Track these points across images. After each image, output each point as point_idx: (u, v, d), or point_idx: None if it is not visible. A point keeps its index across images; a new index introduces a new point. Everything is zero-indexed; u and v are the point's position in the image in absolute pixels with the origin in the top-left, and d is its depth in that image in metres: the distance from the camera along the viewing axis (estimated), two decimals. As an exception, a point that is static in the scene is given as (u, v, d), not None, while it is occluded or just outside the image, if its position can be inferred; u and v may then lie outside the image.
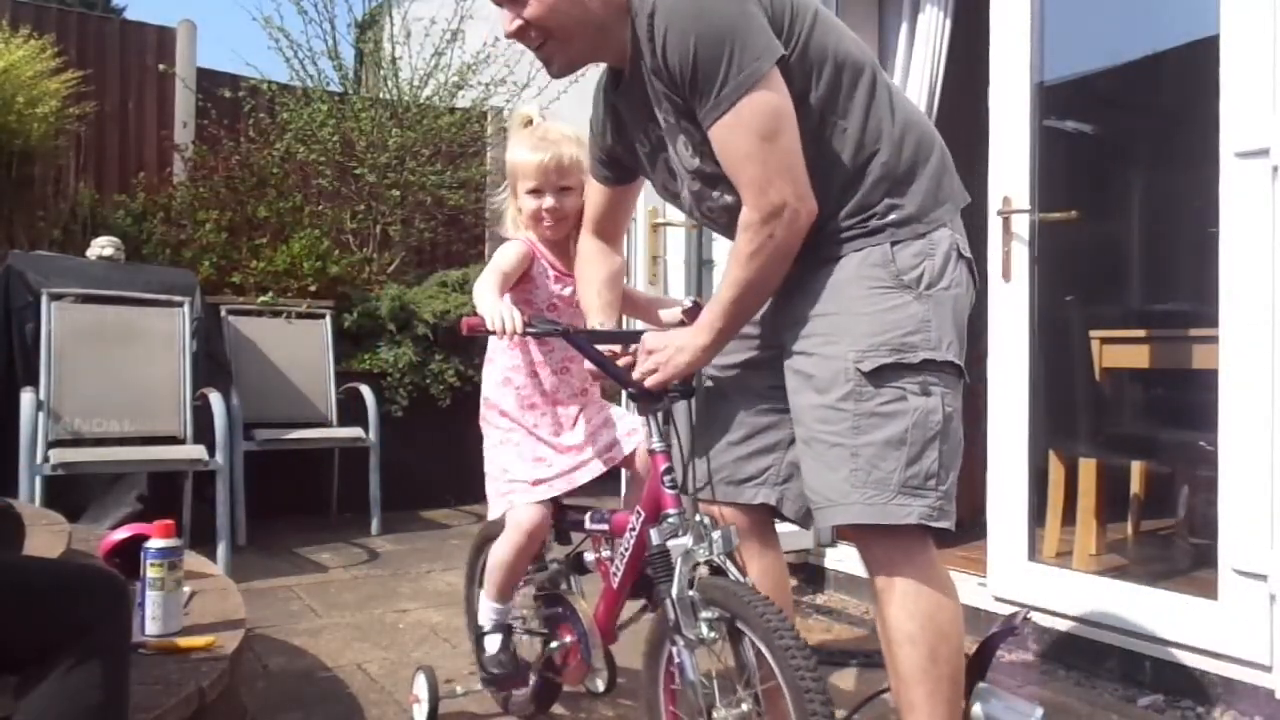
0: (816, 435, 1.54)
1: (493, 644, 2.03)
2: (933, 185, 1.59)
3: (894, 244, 1.54)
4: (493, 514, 2.03)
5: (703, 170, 1.59)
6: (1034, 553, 2.77)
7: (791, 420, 1.61)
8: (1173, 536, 3.34)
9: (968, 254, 1.62)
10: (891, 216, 1.55)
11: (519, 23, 1.56)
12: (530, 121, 2.04)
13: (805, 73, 1.50)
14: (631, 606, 1.92)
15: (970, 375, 1.62)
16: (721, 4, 1.44)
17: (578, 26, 1.56)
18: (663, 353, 1.60)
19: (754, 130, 1.44)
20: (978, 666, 1.66)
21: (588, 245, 1.90)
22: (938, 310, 1.54)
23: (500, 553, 1.98)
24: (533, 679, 2.09)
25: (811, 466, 1.56)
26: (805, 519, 1.72)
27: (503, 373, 2.06)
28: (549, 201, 1.96)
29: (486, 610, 2.05)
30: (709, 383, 1.78)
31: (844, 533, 1.72)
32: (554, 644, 2.00)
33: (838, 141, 1.54)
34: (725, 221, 1.64)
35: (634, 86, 1.61)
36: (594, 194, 1.88)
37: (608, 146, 1.78)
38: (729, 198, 1.58)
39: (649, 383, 1.60)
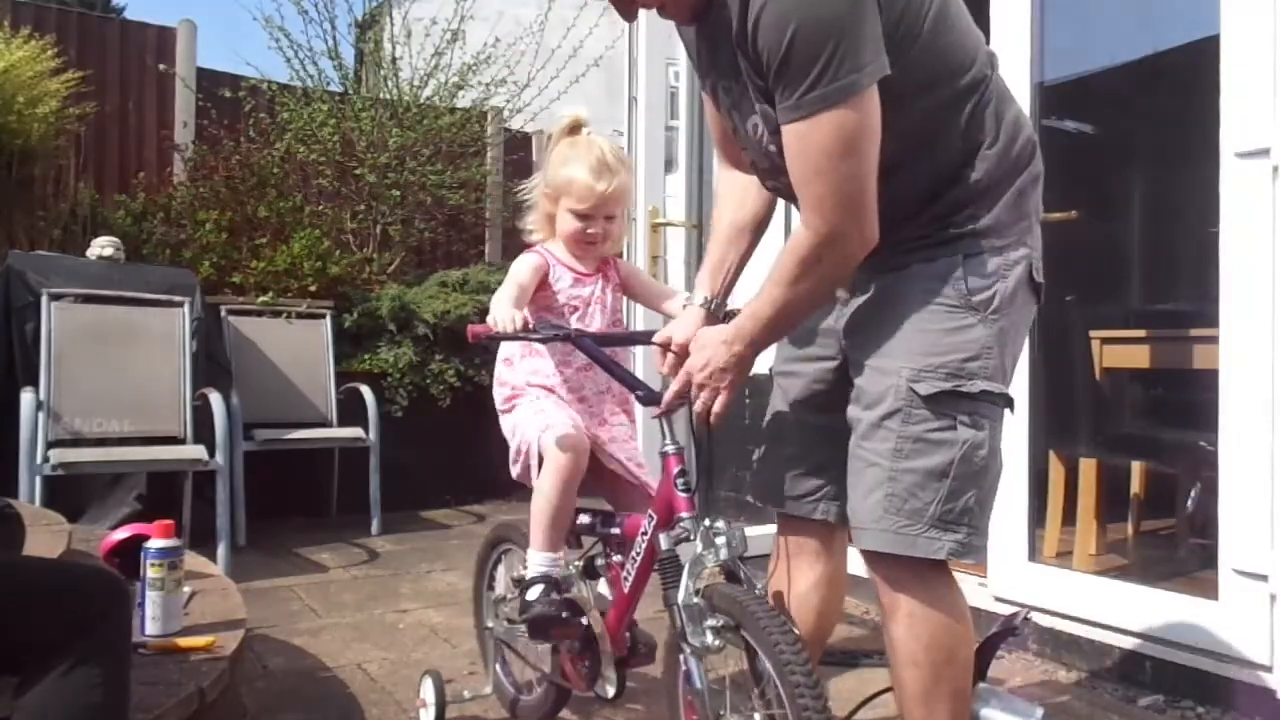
0: (855, 451, 1.47)
1: (534, 591, 1.84)
2: (1019, 198, 1.46)
3: (967, 256, 1.41)
4: (517, 470, 1.94)
5: (773, 157, 1.44)
6: (1034, 553, 2.77)
7: (844, 436, 1.52)
8: (1173, 537, 3.33)
9: (1040, 277, 1.49)
10: (968, 227, 1.42)
11: None
12: (579, 127, 1.96)
13: (915, 79, 1.33)
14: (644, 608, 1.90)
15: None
16: None
17: None
18: (707, 370, 1.48)
19: (828, 148, 1.29)
20: (978, 666, 1.65)
21: (722, 181, 1.69)
22: (1001, 337, 1.42)
23: (542, 489, 1.88)
24: (541, 686, 2.08)
25: (850, 483, 1.48)
26: None
27: (525, 375, 2.02)
28: (594, 229, 1.94)
29: (533, 561, 1.88)
30: (779, 390, 1.70)
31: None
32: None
33: (935, 150, 1.41)
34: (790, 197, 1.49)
35: (715, 33, 1.40)
36: (713, 117, 1.64)
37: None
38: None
39: (712, 408, 1.51)
